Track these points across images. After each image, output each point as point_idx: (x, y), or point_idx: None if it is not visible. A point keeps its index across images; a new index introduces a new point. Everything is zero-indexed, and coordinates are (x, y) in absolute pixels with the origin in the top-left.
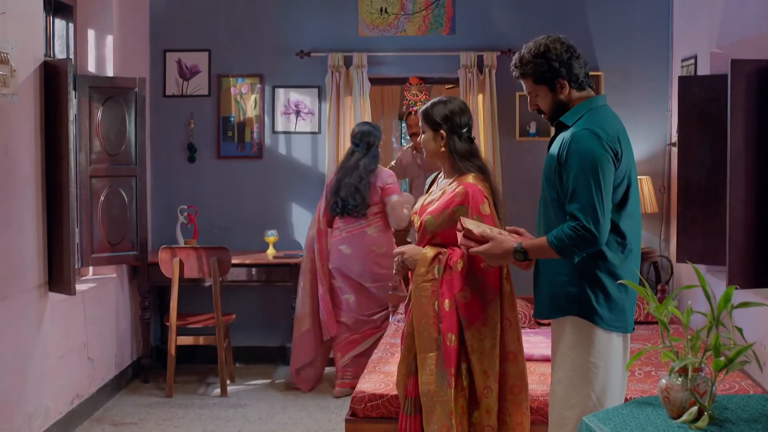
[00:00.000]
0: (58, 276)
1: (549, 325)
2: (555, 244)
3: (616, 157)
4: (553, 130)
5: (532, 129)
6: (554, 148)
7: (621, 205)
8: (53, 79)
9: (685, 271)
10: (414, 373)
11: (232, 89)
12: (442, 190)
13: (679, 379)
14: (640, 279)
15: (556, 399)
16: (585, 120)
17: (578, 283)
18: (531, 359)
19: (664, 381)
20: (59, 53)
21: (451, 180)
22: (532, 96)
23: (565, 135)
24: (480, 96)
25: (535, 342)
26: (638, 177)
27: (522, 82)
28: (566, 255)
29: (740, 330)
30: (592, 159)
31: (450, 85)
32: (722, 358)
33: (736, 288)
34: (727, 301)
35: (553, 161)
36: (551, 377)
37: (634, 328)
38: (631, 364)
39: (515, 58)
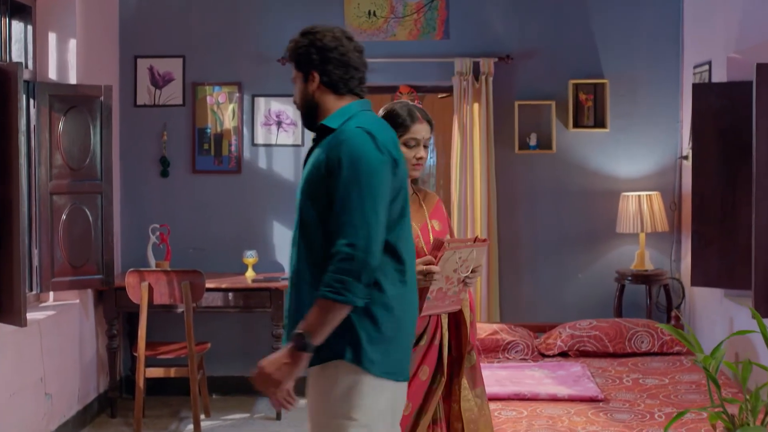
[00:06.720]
0: (7, 305)
1: (553, 356)
2: (331, 292)
3: (395, 163)
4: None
5: (533, 141)
6: (318, 154)
7: (398, 222)
8: (2, 85)
9: (699, 295)
10: (441, 419)
11: (208, 98)
12: (426, 205)
13: None
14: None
15: None
16: (354, 121)
17: (345, 321)
18: (537, 398)
19: None
20: (17, 59)
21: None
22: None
23: (330, 138)
24: (476, 105)
25: (540, 378)
26: (647, 192)
27: None
28: (351, 297)
29: None
30: (368, 162)
31: (444, 94)
32: None
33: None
34: None
35: (319, 170)
36: None
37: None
38: (670, 426)
39: None
